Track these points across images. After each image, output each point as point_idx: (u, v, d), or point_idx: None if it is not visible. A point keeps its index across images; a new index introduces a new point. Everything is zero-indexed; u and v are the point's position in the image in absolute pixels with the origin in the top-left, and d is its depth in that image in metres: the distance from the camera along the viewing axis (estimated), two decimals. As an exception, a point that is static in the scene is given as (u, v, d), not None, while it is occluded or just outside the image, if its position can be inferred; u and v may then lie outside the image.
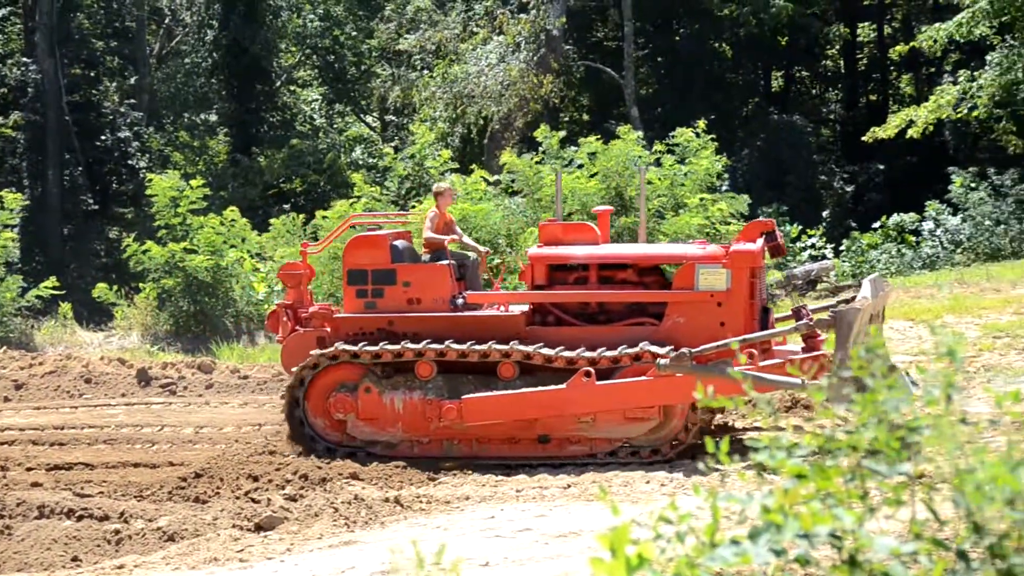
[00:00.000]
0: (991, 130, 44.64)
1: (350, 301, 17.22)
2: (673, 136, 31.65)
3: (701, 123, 31.97)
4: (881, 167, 52.13)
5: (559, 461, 16.30)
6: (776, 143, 48.76)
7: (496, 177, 32.49)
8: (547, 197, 29.71)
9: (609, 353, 16.14)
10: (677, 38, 53.02)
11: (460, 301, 17.12)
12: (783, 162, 48.09)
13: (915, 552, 4.57)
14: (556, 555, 11.97)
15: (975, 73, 41.13)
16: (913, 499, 4.82)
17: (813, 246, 38.32)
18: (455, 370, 16.65)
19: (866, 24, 57.10)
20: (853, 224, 44.42)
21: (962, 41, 41.55)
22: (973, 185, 39.60)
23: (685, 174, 30.45)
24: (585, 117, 53.14)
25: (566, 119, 50.89)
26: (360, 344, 16.65)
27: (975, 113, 41.35)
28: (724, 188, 33.45)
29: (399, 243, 17.55)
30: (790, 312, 17.02)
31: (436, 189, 18.47)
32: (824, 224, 43.36)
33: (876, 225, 39.42)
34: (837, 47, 57.76)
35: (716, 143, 32.05)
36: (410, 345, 16.51)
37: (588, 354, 16.20)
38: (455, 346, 16.40)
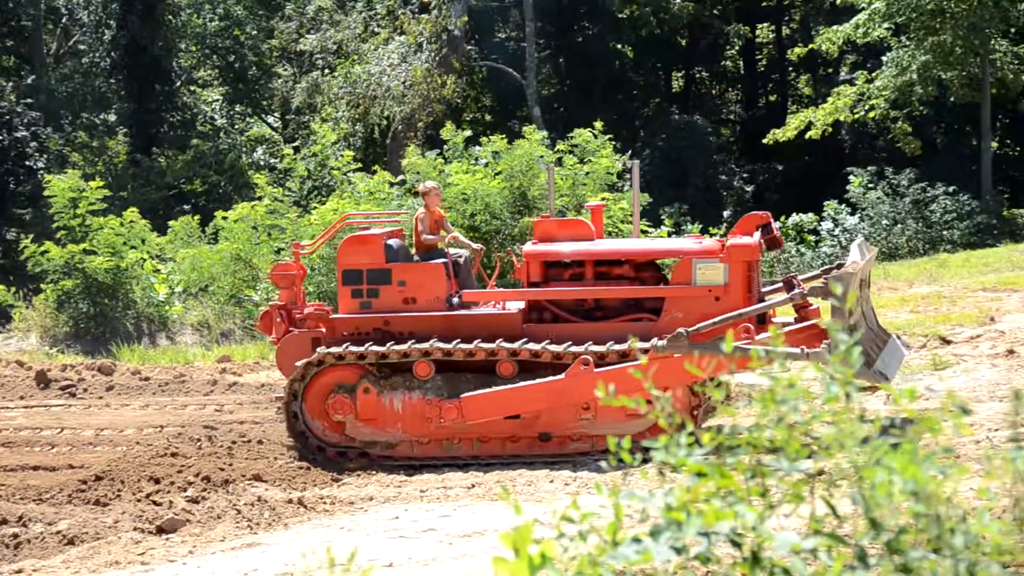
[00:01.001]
0: (888, 131, 45.15)
1: (345, 301, 17.04)
2: (572, 136, 31.74)
3: (599, 123, 32.07)
4: (780, 167, 52.60)
5: (561, 459, 16.21)
6: (677, 143, 49.05)
7: (400, 177, 32.43)
8: (450, 197, 29.70)
9: (618, 347, 16.08)
10: (579, 39, 53.17)
11: (456, 300, 17.04)
12: (684, 162, 48.38)
13: (815, 548, 4.61)
14: (460, 555, 11.96)
15: (872, 74, 41.61)
16: (813, 496, 4.86)
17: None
18: (454, 369, 16.53)
19: (765, 25, 57.58)
20: (777, 224, 44.64)
21: (859, 43, 42.01)
22: (871, 185, 40.05)
23: (587, 174, 30.55)
24: (488, 117, 53.18)
25: (469, 119, 50.89)
26: (366, 344, 16.51)
27: (872, 114, 41.83)
28: (625, 188, 33.55)
29: (393, 242, 17.36)
30: (780, 283, 17.02)
31: (423, 189, 18.24)
32: (725, 223, 43.63)
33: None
34: (737, 48, 58.19)
35: (616, 143, 32.17)
36: (417, 345, 16.36)
37: (596, 348, 16.11)
38: (463, 346, 16.29)
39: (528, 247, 17.21)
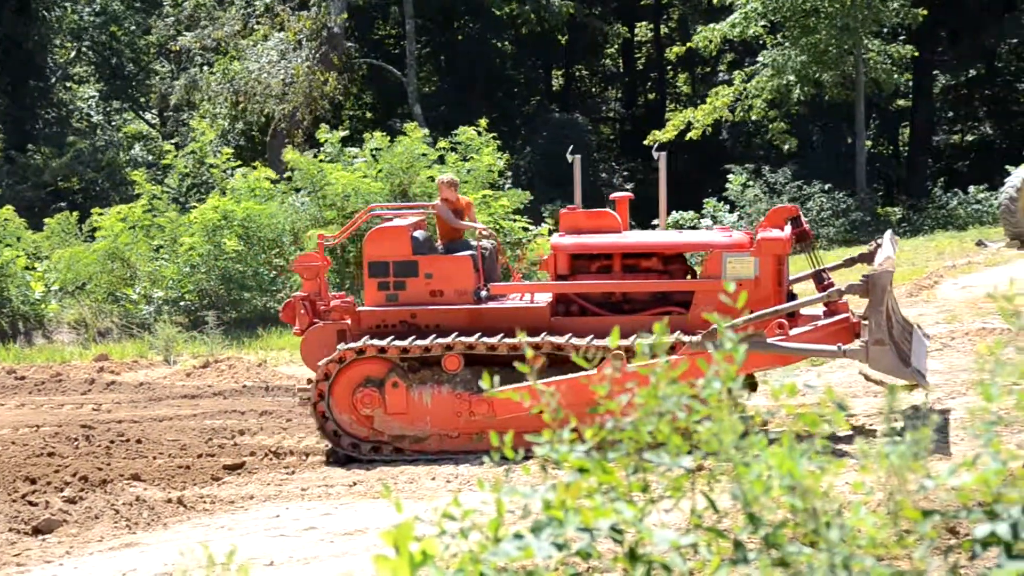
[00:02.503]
0: (766, 129, 45.63)
1: (371, 294, 16.79)
2: (456, 134, 31.74)
3: (483, 121, 32.11)
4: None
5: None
6: (557, 140, 49.16)
7: (286, 174, 32.23)
8: (332, 194, 29.58)
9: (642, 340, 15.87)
10: (459, 36, 53.16)
11: (484, 293, 16.87)
12: (564, 159, 48.51)
13: (694, 543, 4.64)
14: (341, 553, 11.92)
15: (748, 70, 42.02)
16: (694, 491, 4.89)
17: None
18: (483, 363, 16.27)
19: (644, 24, 57.92)
20: (633, 222, 44.96)
21: (735, 40, 42.41)
22: (749, 183, 40.44)
23: (468, 171, 30.56)
24: (368, 115, 53.02)
25: (350, 116, 50.71)
26: (410, 339, 16.26)
27: (750, 114, 42.25)
28: (507, 185, 33.61)
29: (419, 234, 17.14)
30: (809, 272, 16.84)
31: (437, 181, 17.94)
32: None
33: (655, 222, 39.95)
34: (616, 46, 58.48)
35: (498, 141, 32.22)
36: (439, 340, 16.10)
37: (621, 342, 15.91)
38: (486, 339, 16.08)
39: (555, 239, 17.04)
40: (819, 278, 16.48)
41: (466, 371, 16.16)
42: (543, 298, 16.95)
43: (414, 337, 16.36)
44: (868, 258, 16.68)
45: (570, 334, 16.19)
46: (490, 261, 17.55)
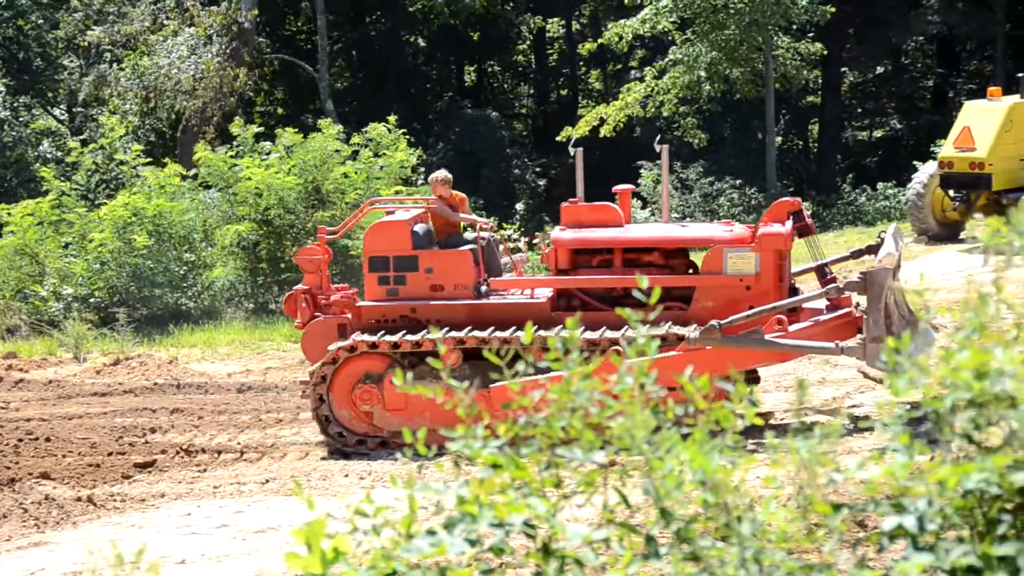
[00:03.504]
0: (677, 125, 45.86)
1: (371, 288, 16.75)
2: (367, 130, 31.64)
3: (392, 118, 32.03)
4: (572, 161, 53.10)
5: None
6: (470, 136, 49.20)
7: (193, 171, 32.01)
8: (243, 191, 29.41)
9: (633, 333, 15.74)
10: (371, 32, 53.02)
11: (484, 288, 16.79)
12: (477, 155, 48.55)
13: (607, 538, 4.66)
14: (253, 551, 11.88)
15: (659, 66, 42.22)
16: (606, 486, 4.91)
17: (509, 238, 38.72)
18: (482, 357, 15.98)
19: (556, 20, 58.03)
20: (547, 217, 45.10)
21: (647, 37, 42.58)
22: (661, 179, 40.62)
23: (381, 167, 30.50)
24: (280, 111, 52.78)
25: (261, 112, 50.46)
26: (421, 333, 16.16)
27: (661, 110, 42.45)
28: (420, 181, 33.54)
29: (420, 228, 17.06)
30: (812, 266, 16.78)
31: (430, 179, 17.91)
32: (518, 217, 43.91)
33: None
34: (528, 42, 58.57)
35: (410, 137, 32.17)
36: (429, 336, 15.92)
37: (612, 334, 15.77)
38: (477, 333, 15.97)
39: (556, 233, 16.98)
40: (822, 272, 16.46)
41: (465, 366, 16.06)
42: (544, 293, 16.90)
43: (404, 332, 16.31)
44: (875, 250, 16.67)
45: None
46: (490, 254, 17.47)
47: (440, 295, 16.60)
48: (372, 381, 16.28)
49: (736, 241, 16.34)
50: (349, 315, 16.91)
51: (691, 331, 15.39)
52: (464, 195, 18.12)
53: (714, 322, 15.27)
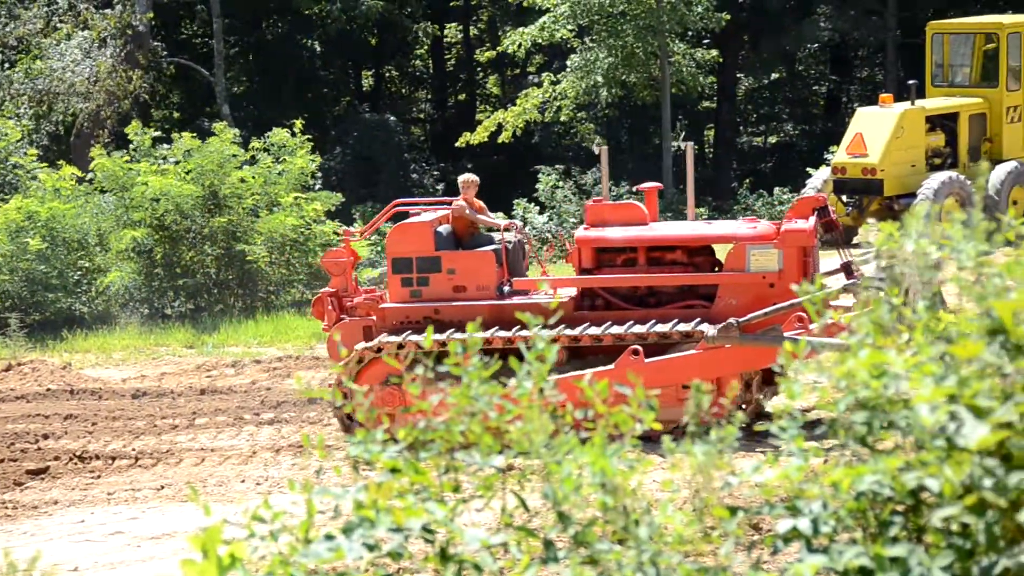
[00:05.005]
0: (575, 130, 46.01)
1: (395, 290, 16.69)
2: (269, 136, 31.42)
3: (298, 123, 31.86)
4: (470, 166, 53.06)
5: None
6: (368, 141, 49.03)
7: (89, 175, 31.64)
8: (139, 196, 29.10)
9: (659, 328, 15.72)
10: (268, 36, 52.76)
11: (507, 288, 16.70)
12: (375, 160, 48.42)
13: (505, 542, 4.67)
14: (148, 557, 11.79)
15: (558, 75, 42.35)
16: (504, 490, 4.92)
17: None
18: (503, 357, 15.90)
19: (453, 25, 58.03)
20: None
21: (544, 44, 42.68)
22: (559, 184, 40.71)
23: (280, 173, 30.32)
24: (177, 115, 52.36)
25: (158, 117, 50.03)
26: (404, 335, 16.11)
27: (559, 115, 42.57)
28: (318, 187, 33.40)
29: (443, 229, 17.02)
30: (839, 267, 16.50)
31: (460, 180, 17.93)
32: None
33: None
34: (426, 47, 58.52)
35: (310, 142, 32.02)
36: (437, 336, 15.75)
37: (636, 330, 15.73)
38: (502, 334, 15.93)
39: (580, 232, 16.93)
40: (848, 270, 16.29)
41: None
42: (566, 292, 16.84)
43: (408, 332, 16.24)
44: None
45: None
46: (514, 255, 17.35)
47: (463, 296, 16.57)
48: (394, 384, 16.13)
49: (759, 238, 16.29)
50: (374, 317, 16.87)
51: (709, 329, 15.40)
52: (483, 203, 18.12)
53: (732, 320, 15.26)
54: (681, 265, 16.74)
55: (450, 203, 17.71)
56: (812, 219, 16.50)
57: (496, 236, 17.39)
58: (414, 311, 16.56)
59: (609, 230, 16.84)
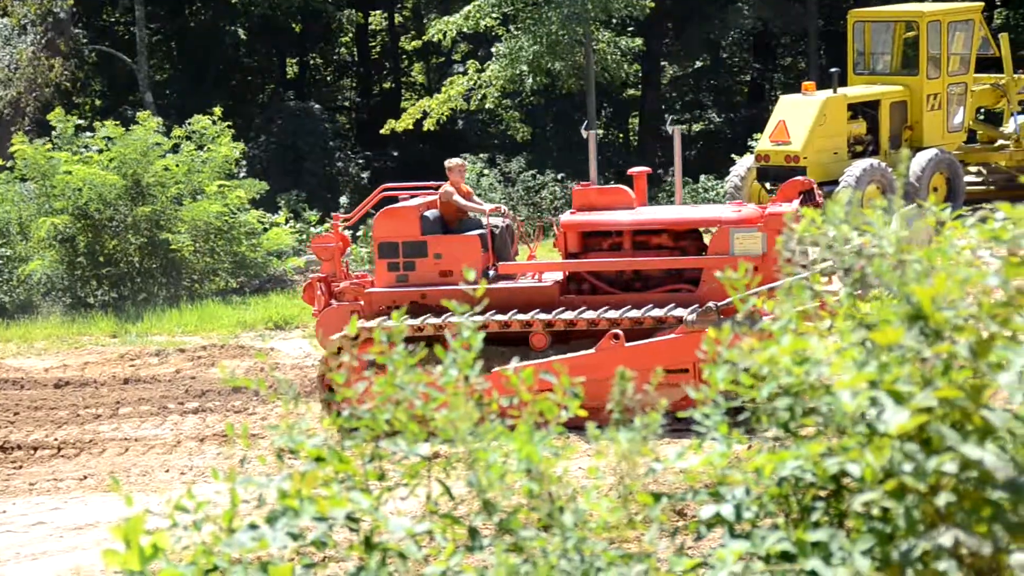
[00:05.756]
0: (500, 118, 46.02)
1: (382, 275, 16.72)
2: (191, 123, 31.23)
3: (217, 110, 31.67)
4: (396, 153, 53.00)
5: None
6: (293, 129, 48.82)
7: (10, 163, 31.33)
8: (62, 184, 28.84)
9: (632, 314, 15.71)
10: (191, 23, 52.41)
11: (492, 272, 16.68)
12: (300, 148, 48.22)
13: (430, 530, 4.67)
14: (71, 548, 11.72)
15: (484, 64, 42.34)
16: (430, 478, 4.92)
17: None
18: (487, 342, 15.87)
19: (378, 13, 57.86)
20: (371, 210, 45.01)
21: (470, 33, 42.65)
22: (484, 172, 40.74)
23: (204, 161, 30.14)
24: (99, 103, 51.93)
25: (80, 104, 49.59)
26: (378, 320, 16.15)
27: (484, 103, 42.57)
28: (242, 175, 33.24)
29: (430, 213, 17.03)
30: None
31: (448, 164, 17.83)
32: (342, 210, 43.78)
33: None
34: (350, 35, 58.32)
35: (233, 130, 31.84)
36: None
37: (610, 315, 15.77)
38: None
39: (566, 216, 16.98)
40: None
41: None
42: (552, 277, 16.88)
43: (384, 318, 16.28)
44: None
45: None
46: (501, 240, 17.37)
47: (449, 280, 16.58)
48: (379, 368, 16.03)
49: (743, 221, 16.38)
50: (362, 302, 16.92)
51: (688, 313, 15.45)
52: (470, 189, 18.14)
53: (711, 304, 15.32)
54: (667, 249, 16.88)
55: (438, 188, 17.73)
56: (796, 202, 16.66)
57: (496, 220, 17.46)
58: (400, 296, 16.61)
59: (595, 214, 16.97)
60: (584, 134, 19.06)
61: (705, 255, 16.74)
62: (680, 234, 16.96)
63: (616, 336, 15.65)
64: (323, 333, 16.97)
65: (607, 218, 16.91)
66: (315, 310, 17.39)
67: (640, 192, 17.54)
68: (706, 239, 17.17)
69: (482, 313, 16.08)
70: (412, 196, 18.07)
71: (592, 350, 15.64)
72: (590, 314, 15.98)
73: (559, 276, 16.96)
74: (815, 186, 17.30)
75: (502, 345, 16.08)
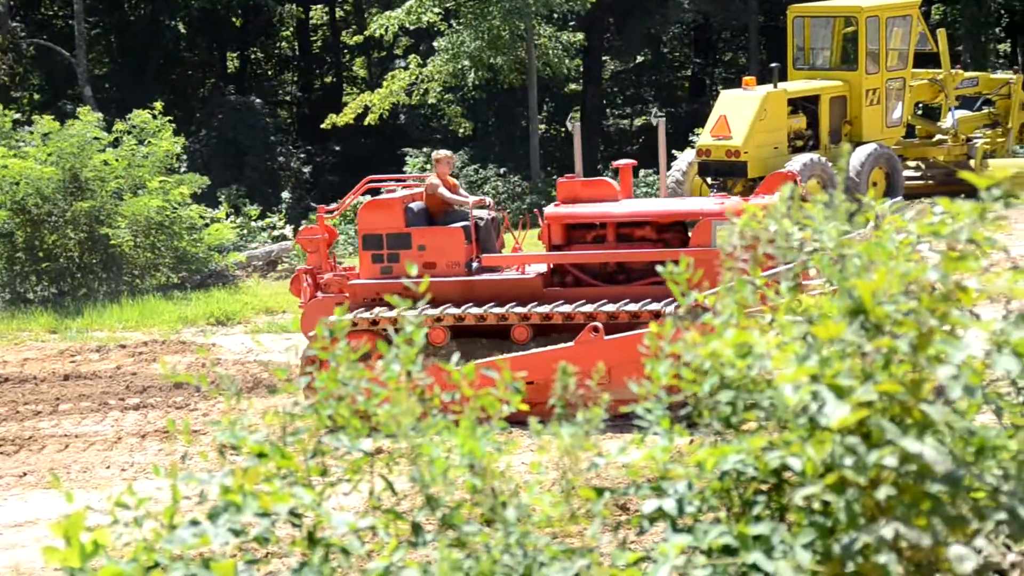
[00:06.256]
0: (442, 113, 46.01)
1: (366, 266, 16.70)
2: (130, 117, 30.99)
3: (158, 104, 31.45)
4: (338, 148, 52.90)
5: None
6: (234, 124, 48.63)
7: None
8: (-2, 179, 28.60)
9: (610, 308, 15.62)
10: (131, 16, 52.11)
11: (475, 264, 16.65)
12: (241, 143, 48.03)
13: (373, 526, 4.67)
14: (10, 545, 11.63)
15: (425, 59, 42.32)
16: (372, 473, 4.92)
17: (273, 227, 38.46)
18: (469, 335, 16.07)
19: (319, 7, 57.72)
20: (313, 205, 44.89)
21: (412, 28, 42.61)
22: (427, 166, 40.69)
23: (145, 155, 29.93)
24: (37, 97, 51.56)
25: (18, 98, 49.23)
26: (355, 313, 16.14)
27: (426, 97, 42.55)
28: (183, 169, 33.04)
29: (415, 205, 16.98)
30: None
31: (435, 156, 17.82)
32: (284, 205, 43.61)
33: (334, 206, 39.84)
34: (291, 29, 58.15)
35: (174, 124, 31.64)
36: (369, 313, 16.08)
37: (585, 309, 15.74)
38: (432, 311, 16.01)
39: (550, 209, 16.94)
40: None
41: (452, 344, 16.10)
42: (536, 269, 16.87)
43: (361, 309, 16.34)
44: None
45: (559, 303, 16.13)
46: (485, 232, 17.31)
47: (433, 272, 16.50)
48: (361, 359, 16.02)
49: (724, 213, 16.40)
50: (347, 294, 16.92)
51: (663, 305, 15.44)
52: (456, 182, 18.11)
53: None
54: (650, 242, 16.88)
55: (423, 180, 17.74)
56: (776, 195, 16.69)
57: (480, 213, 17.45)
58: (384, 287, 16.49)
59: (579, 206, 16.97)
60: (569, 126, 19.16)
61: (685, 248, 16.83)
62: (664, 226, 16.99)
63: (595, 329, 15.68)
64: (307, 325, 16.99)
65: (591, 210, 16.93)
66: (301, 302, 17.42)
67: (625, 184, 17.63)
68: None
69: (458, 305, 16.26)
70: (399, 188, 18.19)
71: (571, 343, 15.65)
72: (566, 307, 16.00)
73: (543, 268, 16.97)
74: (799, 179, 17.42)
75: (485, 338, 16.21)
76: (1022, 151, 32.39)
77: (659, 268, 5.37)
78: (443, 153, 18.10)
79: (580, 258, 16.83)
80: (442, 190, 17.35)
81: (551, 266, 16.99)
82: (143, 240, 28.70)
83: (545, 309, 15.98)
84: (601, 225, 16.98)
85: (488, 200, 18.04)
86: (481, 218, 17.40)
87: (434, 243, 16.78)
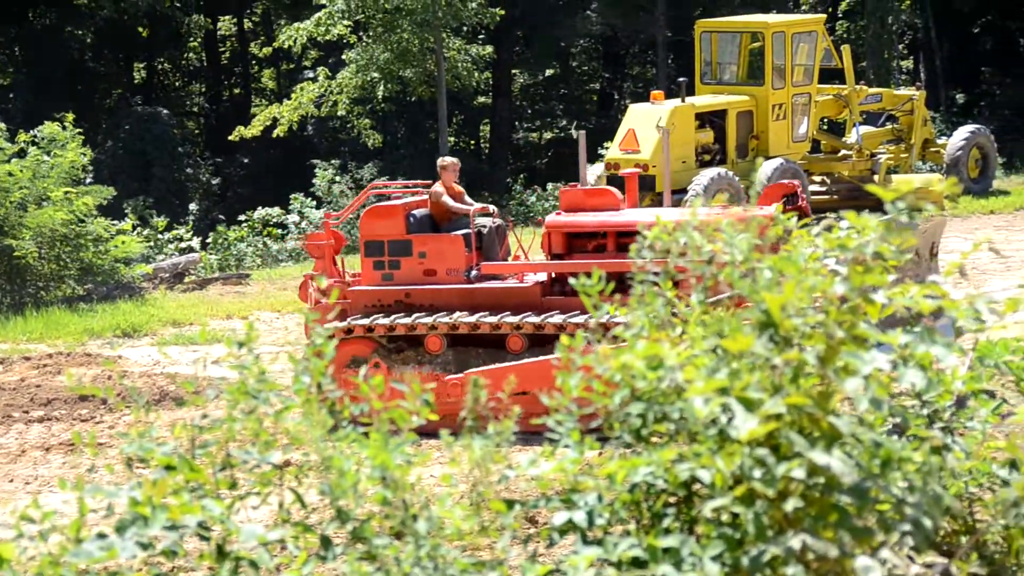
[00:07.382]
0: (352, 125, 45.92)
1: (367, 273, 16.55)
2: (40, 129, 30.64)
3: (69, 116, 31.12)
4: (246, 160, 52.66)
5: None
6: (141, 135, 48.27)
7: None
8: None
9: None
10: (36, 26, 51.59)
11: (475, 272, 16.49)
12: (148, 154, 47.69)
13: (282, 539, 4.65)
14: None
15: (335, 72, 42.23)
16: (282, 486, 4.90)
17: (180, 239, 38.20)
18: (466, 344, 15.99)
19: (227, 18, 57.45)
20: (221, 217, 44.63)
21: (321, 40, 42.51)
22: (336, 178, 40.58)
23: (51, 167, 29.62)
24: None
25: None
26: (349, 320, 16.03)
27: (335, 109, 42.45)
28: (89, 180, 32.72)
29: (417, 212, 16.88)
30: None
31: (440, 163, 17.70)
32: (192, 217, 43.32)
33: (242, 218, 39.70)
34: (199, 40, 57.82)
35: (82, 135, 31.33)
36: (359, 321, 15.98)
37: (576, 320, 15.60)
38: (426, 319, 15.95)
39: (551, 217, 16.88)
40: None
41: (448, 352, 16.08)
42: (534, 278, 16.82)
43: (357, 315, 16.26)
44: None
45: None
46: (489, 239, 17.22)
47: (433, 280, 16.53)
48: (358, 366, 15.99)
49: None
50: (350, 300, 16.85)
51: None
52: (462, 189, 18.07)
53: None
54: None
55: (429, 187, 17.69)
56: (775, 205, 16.77)
57: (484, 220, 17.41)
58: (385, 294, 16.57)
59: (579, 215, 16.98)
60: (575, 134, 19.26)
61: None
62: None
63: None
64: (310, 331, 16.91)
65: (592, 219, 16.96)
66: (308, 308, 17.42)
67: (631, 194, 17.68)
68: None
69: (450, 313, 16.26)
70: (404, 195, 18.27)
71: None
72: (558, 318, 16.03)
73: (542, 277, 17.00)
74: (799, 189, 17.55)
75: (480, 347, 16.21)
76: (924, 167, 32.83)
77: (572, 280, 5.38)
78: (448, 160, 18.10)
79: (580, 267, 16.88)
80: (445, 198, 17.38)
81: (551, 275, 17.04)
82: (48, 251, 28.40)
83: (537, 319, 16.03)
84: (602, 234, 17.01)
85: (492, 208, 18.05)
86: (484, 225, 17.41)
87: (434, 250, 16.76)
